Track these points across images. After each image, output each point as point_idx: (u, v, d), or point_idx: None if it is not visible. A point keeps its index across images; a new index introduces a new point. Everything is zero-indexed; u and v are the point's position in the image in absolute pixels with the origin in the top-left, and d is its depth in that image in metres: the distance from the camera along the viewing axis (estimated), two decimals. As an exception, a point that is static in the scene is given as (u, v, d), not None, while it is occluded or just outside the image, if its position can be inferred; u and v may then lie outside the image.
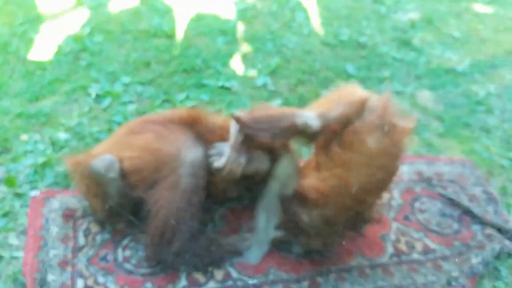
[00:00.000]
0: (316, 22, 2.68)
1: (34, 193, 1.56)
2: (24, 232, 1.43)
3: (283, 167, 1.39)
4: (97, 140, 1.77)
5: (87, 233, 1.44)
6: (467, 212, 1.61)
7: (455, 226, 1.57)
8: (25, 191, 1.56)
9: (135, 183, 1.33)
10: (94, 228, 1.46)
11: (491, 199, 1.67)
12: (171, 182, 1.30)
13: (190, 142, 1.36)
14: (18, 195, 1.54)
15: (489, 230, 1.55)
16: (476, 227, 1.57)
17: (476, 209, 1.61)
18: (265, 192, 1.40)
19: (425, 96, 2.17)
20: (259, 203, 1.41)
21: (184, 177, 1.31)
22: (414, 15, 2.81)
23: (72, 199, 1.54)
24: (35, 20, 2.48)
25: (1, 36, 2.34)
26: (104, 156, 1.33)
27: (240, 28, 2.55)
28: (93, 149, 1.45)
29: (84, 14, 2.56)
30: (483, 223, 1.57)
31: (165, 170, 1.31)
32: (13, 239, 1.41)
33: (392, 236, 1.52)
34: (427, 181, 1.73)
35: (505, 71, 2.42)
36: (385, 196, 1.64)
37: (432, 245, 1.50)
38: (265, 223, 1.40)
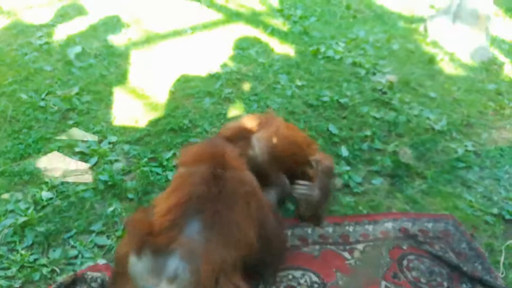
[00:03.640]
0: (298, 85, 2.79)
1: None
2: (-2, 298, 1.36)
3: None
4: (81, 200, 1.74)
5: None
6: (456, 269, 1.60)
7: (445, 283, 1.56)
8: (3, 253, 1.50)
9: None
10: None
11: (477, 255, 1.68)
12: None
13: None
14: (-5, 258, 1.48)
15: (479, 288, 1.54)
16: (466, 286, 1.55)
17: (465, 266, 1.60)
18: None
19: (407, 154, 2.23)
20: None
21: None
22: (392, 77, 2.96)
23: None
24: (24, 80, 2.52)
25: (-12, 96, 2.36)
26: None
27: (226, 90, 2.63)
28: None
29: (73, 74, 2.62)
30: (473, 280, 1.56)
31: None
32: (-14, 306, 1.34)
33: (383, 296, 1.49)
34: (413, 237, 1.73)
35: (480, 130, 2.54)
36: (374, 253, 1.64)
37: (423, 304, 1.47)
38: None
